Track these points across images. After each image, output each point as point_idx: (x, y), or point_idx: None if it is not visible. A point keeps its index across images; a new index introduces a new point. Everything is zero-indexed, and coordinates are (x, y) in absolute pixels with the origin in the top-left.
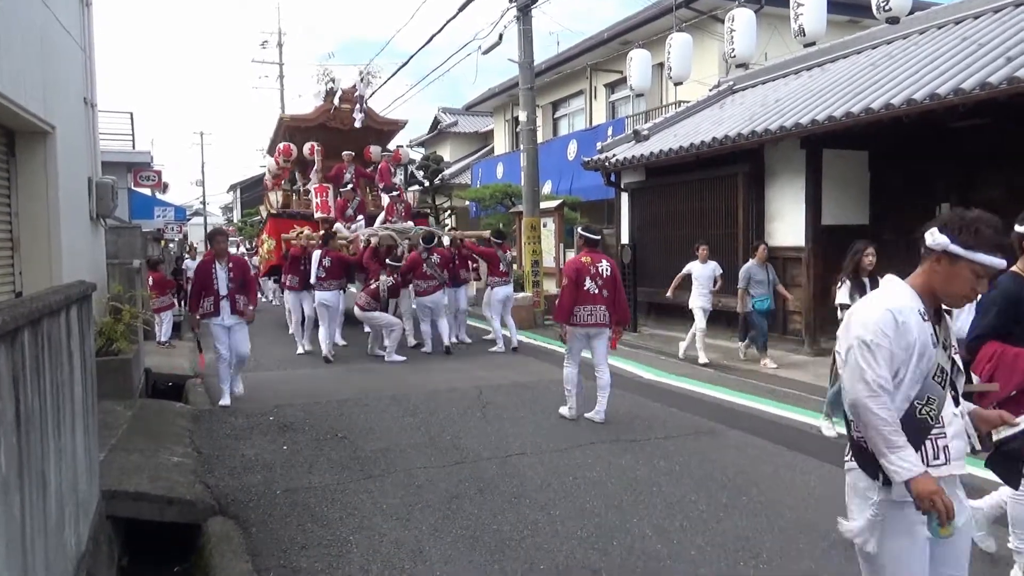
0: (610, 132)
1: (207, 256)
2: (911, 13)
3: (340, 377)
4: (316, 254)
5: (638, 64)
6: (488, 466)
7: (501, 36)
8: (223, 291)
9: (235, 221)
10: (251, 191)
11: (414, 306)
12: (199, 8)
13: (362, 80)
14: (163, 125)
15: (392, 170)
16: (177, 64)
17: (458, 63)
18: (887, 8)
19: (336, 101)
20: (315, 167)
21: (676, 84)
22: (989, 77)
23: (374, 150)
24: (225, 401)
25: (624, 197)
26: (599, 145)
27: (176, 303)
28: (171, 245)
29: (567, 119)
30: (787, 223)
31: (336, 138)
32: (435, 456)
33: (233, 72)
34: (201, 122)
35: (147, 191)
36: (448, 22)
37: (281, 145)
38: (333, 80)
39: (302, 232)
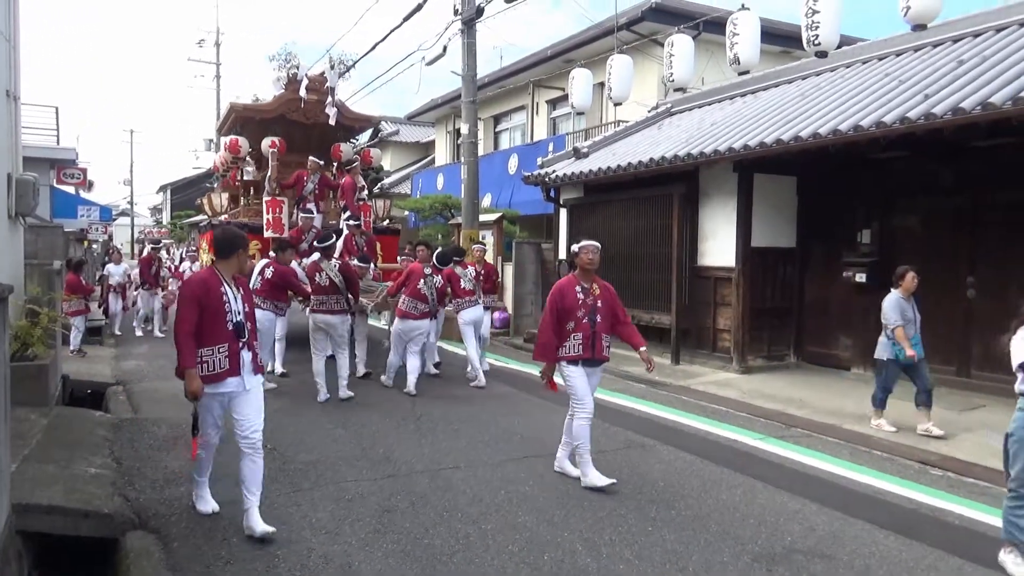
0: (551, 148)
1: (207, 273)
2: (839, 47)
3: (269, 387)
4: (260, 263)
5: (580, 83)
6: (421, 479)
7: (445, 48)
8: (242, 334)
9: (164, 223)
10: (182, 193)
11: (383, 325)
12: (133, 2)
13: (332, 68)
14: (91, 121)
15: (358, 186)
16: (108, 58)
17: (401, 72)
18: (816, 42)
19: (303, 91)
20: (269, 174)
21: (616, 104)
22: (908, 112)
23: (345, 148)
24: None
25: (563, 213)
26: (539, 160)
27: (89, 308)
28: (95, 246)
29: (508, 133)
30: (719, 243)
31: (297, 133)
32: (367, 469)
33: (167, 70)
34: (131, 119)
35: (71, 189)
36: (392, 31)
37: (227, 139)
38: (297, 66)
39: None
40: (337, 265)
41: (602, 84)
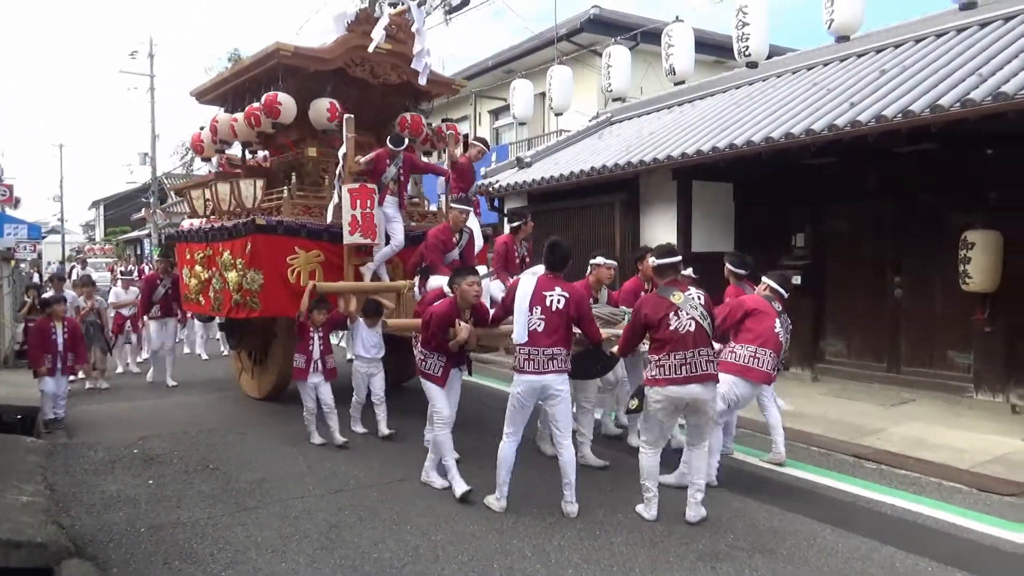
0: (494, 158)
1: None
2: (769, 57)
3: (213, 405)
4: (526, 283)
5: (521, 93)
6: (369, 493)
7: None
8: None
9: (98, 240)
10: (116, 208)
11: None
12: (61, 13)
13: (421, 4)
14: (16, 136)
15: (475, 170)
16: (34, 71)
17: None
18: (747, 52)
19: (379, 35)
20: (343, 150)
21: (557, 114)
22: (836, 120)
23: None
24: None
25: (507, 222)
26: (483, 170)
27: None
28: (22, 265)
29: None
30: None
31: (351, 96)
32: (313, 485)
33: (98, 82)
34: (60, 134)
35: None
36: None
37: (266, 96)
38: None
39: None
40: (701, 298)
41: (543, 94)
